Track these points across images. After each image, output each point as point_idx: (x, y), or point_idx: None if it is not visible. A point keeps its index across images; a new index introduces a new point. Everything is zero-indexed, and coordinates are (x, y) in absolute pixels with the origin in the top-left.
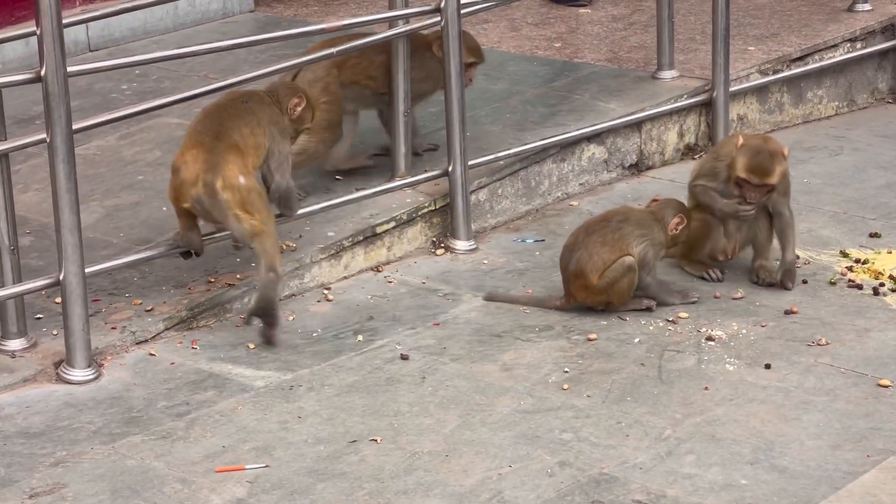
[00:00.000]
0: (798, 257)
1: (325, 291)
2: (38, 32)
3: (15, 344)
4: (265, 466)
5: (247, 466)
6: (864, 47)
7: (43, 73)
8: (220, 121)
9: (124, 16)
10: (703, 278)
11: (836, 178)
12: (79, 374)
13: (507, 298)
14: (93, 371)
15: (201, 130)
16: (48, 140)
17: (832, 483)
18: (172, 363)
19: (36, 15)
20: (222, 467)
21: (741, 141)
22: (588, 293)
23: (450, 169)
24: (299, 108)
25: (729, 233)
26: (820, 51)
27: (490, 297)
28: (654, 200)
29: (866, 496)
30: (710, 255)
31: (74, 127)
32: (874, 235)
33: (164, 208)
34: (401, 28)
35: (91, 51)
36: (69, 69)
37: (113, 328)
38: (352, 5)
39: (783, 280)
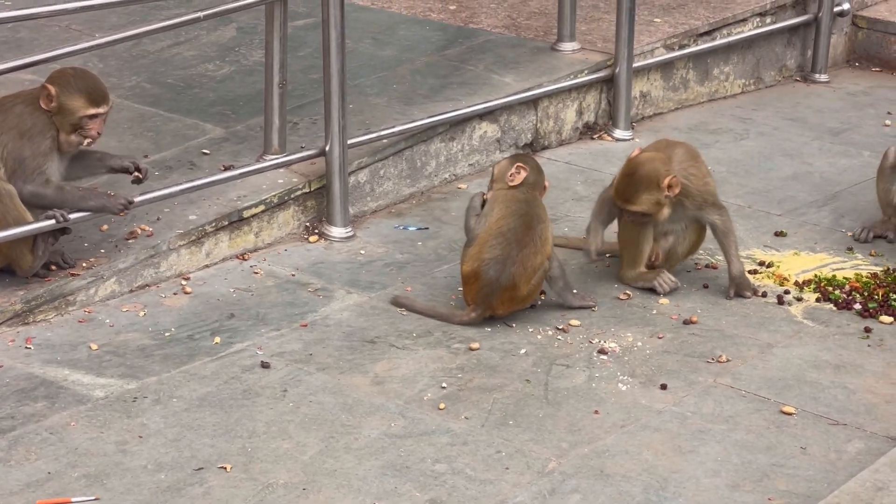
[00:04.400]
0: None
1: (184, 282)
2: None
3: None
4: (94, 499)
5: (73, 500)
6: (774, 22)
7: None
8: None
9: None
10: (653, 290)
11: (741, 165)
12: None
13: (412, 307)
14: None
15: None
16: None
17: None
18: (0, 366)
19: None
20: (44, 501)
21: (633, 154)
22: (513, 304)
23: (327, 148)
24: (52, 103)
25: (656, 236)
26: (728, 25)
27: (396, 302)
28: (496, 166)
29: None
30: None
31: None
32: (779, 234)
33: None
34: None
35: None
36: None
37: None
38: None
39: (737, 294)
